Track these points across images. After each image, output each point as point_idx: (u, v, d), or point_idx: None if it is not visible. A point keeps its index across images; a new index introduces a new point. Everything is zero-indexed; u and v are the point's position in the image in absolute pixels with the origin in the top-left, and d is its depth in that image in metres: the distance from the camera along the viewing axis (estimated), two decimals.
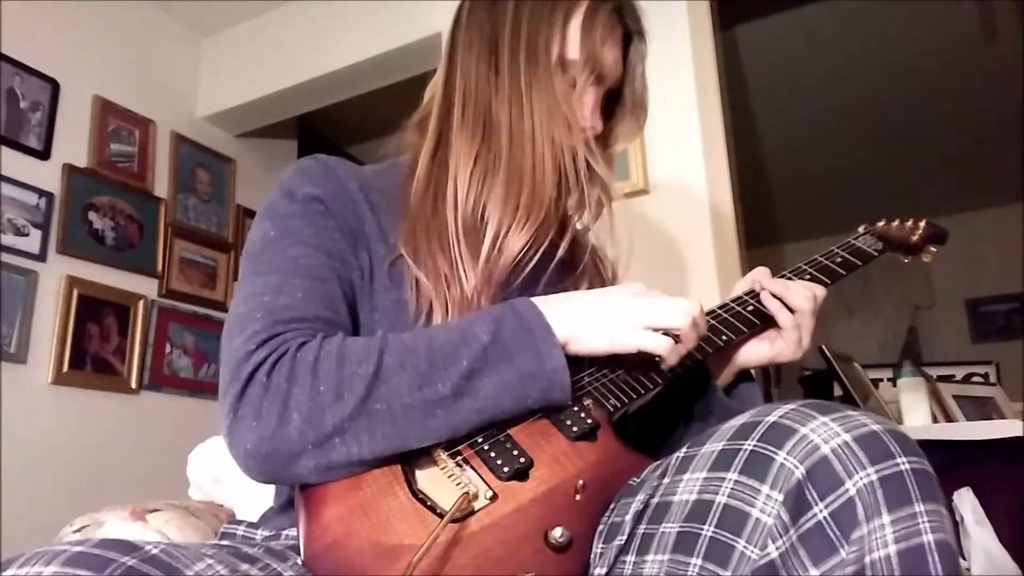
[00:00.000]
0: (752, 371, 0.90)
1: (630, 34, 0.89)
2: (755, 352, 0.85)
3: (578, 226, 0.90)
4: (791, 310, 0.82)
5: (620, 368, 0.75)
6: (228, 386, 0.62)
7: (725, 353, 0.85)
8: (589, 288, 0.86)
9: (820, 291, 0.84)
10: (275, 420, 0.60)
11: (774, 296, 0.82)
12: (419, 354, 0.64)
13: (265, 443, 0.60)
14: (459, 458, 0.64)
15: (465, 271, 0.76)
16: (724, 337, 0.80)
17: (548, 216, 0.79)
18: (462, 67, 0.84)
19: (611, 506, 0.63)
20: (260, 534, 0.71)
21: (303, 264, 0.70)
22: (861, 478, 0.48)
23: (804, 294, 0.81)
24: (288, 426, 0.60)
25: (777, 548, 0.49)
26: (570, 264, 0.86)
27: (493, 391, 0.64)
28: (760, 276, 0.86)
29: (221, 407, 0.63)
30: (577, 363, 0.72)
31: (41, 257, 2.26)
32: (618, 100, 0.91)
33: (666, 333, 0.69)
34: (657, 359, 0.71)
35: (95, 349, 2.37)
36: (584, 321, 0.68)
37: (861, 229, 1.00)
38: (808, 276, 0.87)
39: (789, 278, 0.86)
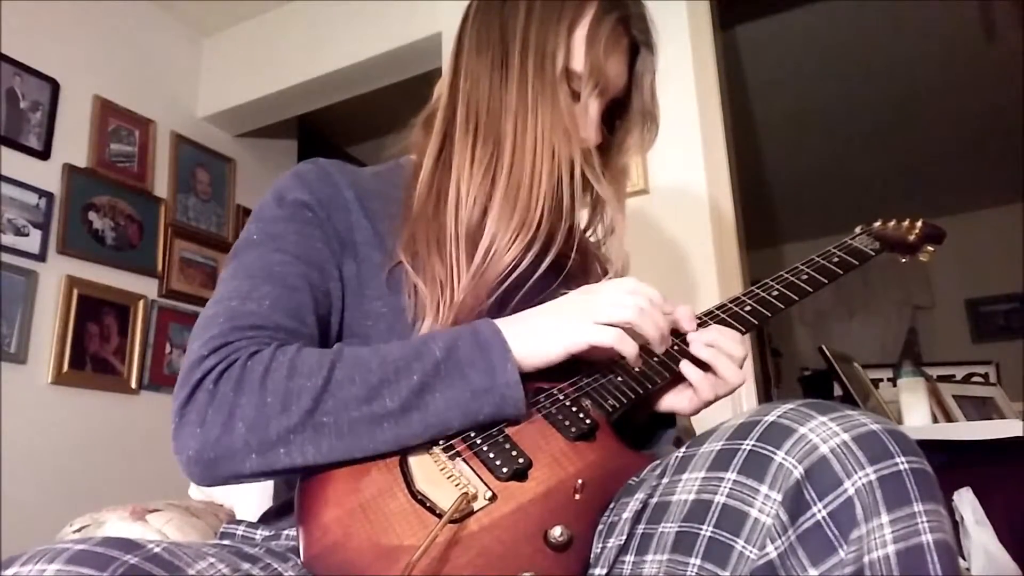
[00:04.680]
0: (676, 416, 0.82)
1: (637, 45, 0.88)
2: (668, 400, 0.79)
3: (592, 239, 0.90)
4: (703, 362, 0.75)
5: (619, 369, 0.75)
6: (178, 390, 0.63)
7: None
8: None
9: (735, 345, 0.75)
10: (219, 428, 0.60)
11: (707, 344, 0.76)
12: (371, 368, 0.64)
13: (207, 449, 0.61)
14: (458, 459, 0.64)
15: (460, 278, 0.76)
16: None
17: (540, 230, 0.79)
18: (470, 71, 0.83)
19: (610, 506, 0.63)
20: (260, 534, 0.71)
21: (278, 272, 0.70)
22: (860, 478, 0.48)
23: (734, 336, 0.76)
24: (232, 434, 0.60)
25: (776, 548, 0.49)
26: (573, 275, 0.86)
27: (443, 406, 0.63)
28: (680, 317, 0.77)
29: (172, 410, 0.63)
30: (574, 366, 0.73)
31: (41, 257, 2.27)
32: (627, 111, 0.90)
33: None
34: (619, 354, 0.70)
35: (95, 349, 2.37)
36: (535, 333, 0.68)
37: (858, 229, 1.01)
38: (805, 276, 0.87)
39: (704, 322, 0.80)
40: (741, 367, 0.75)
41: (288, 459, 0.61)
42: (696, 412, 0.78)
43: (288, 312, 0.69)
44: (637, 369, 0.75)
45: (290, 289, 0.70)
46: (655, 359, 0.76)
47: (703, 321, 0.80)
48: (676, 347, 0.78)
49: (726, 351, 0.75)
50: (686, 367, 0.75)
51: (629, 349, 0.69)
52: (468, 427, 0.65)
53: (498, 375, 0.64)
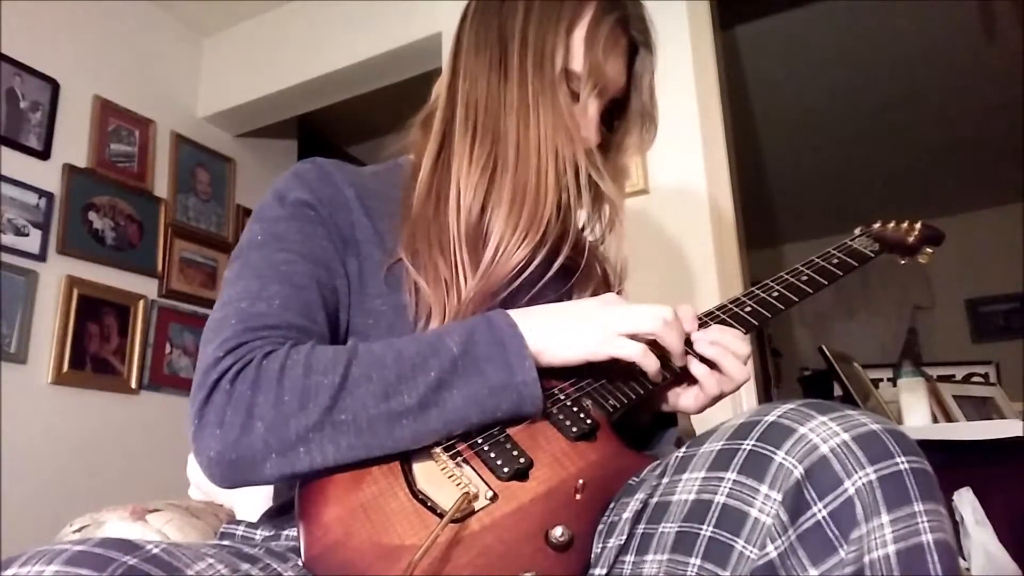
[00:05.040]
0: (677, 414, 0.82)
1: (636, 45, 0.88)
2: (673, 400, 0.80)
3: (589, 237, 0.90)
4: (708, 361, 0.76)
5: (620, 369, 0.75)
6: (195, 392, 0.63)
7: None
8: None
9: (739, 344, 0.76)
10: (238, 428, 0.60)
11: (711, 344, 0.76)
12: (387, 365, 0.63)
13: (228, 451, 0.60)
14: (459, 458, 0.64)
15: (465, 278, 0.76)
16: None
17: (547, 231, 0.79)
18: (468, 71, 0.83)
19: (611, 505, 0.63)
20: (260, 534, 0.71)
21: (285, 271, 0.70)
22: (860, 478, 0.48)
23: (737, 334, 0.77)
24: (251, 434, 0.60)
25: (776, 548, 0.49)
26: (575, 274, 0.86)
27: (462, 403, 0.63)
28: (683, 317, 0.77)
29: (188, 413, 0.63)
30: (575, 367, 0.73)
31: (41, 257, 2.27)
32: (626, 111, 0.90)
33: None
34: (635, 366, 0.70)
35: (95, 349, 2.37)
36: (556, 332, 0.68)
37: (857, 231, 1.01)
38: (805, 277, 0.87)
39: (705, 323, 0.80)
40: (745, 364, 0.76)
41: (308, 458, 0.60)
42: (702, 410, 0.78)
43: (298, 310, 0.69)
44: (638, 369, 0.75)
45: (298, 288, 0.70)
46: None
47: (703, 321, 0.80)
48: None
49: (731, 349, 0.75)
50: (692, 364, 0.76)
51: (651, 365, 0.69)
52: (487, 423, 0.65)
53: (516, 372, 0.64)
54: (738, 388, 0.77)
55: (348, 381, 0.62)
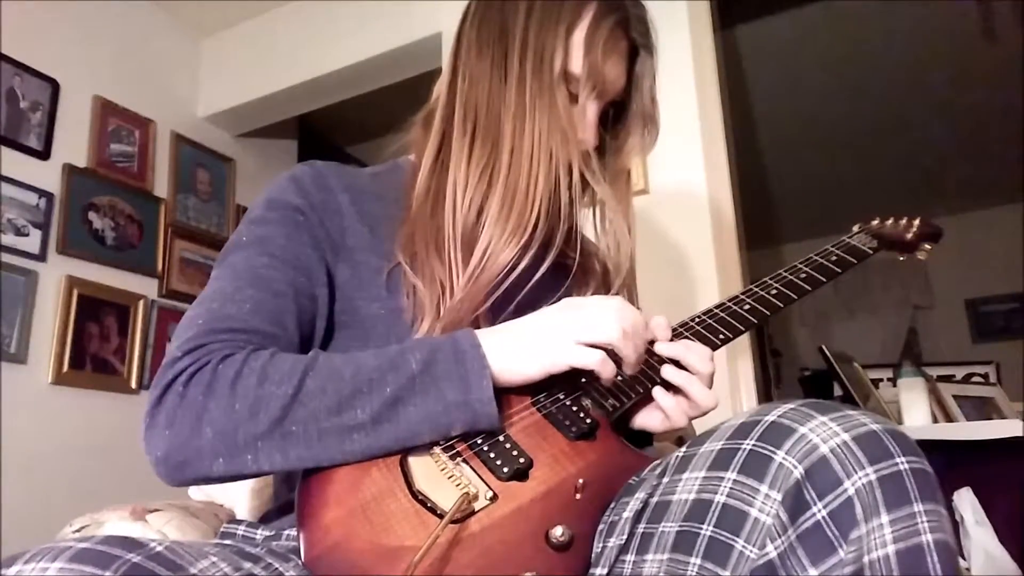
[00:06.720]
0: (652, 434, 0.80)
1: (637, 47, 0.87)
2: (641, 419, 0.78)
3: (592, 238, 0.90)
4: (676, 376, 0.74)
5: (619, 370, 0.75)
6: (151, 389, 0.64)
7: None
8: None
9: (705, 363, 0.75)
10: (188, 431, 0.61)
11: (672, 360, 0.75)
12: (344, 378, 0.63)
13: (176, 452, 0.61)
14: (459, 459, 0.64)
15: (459, 277, 0.76)
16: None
17: (537, 232, 0.78)
18: (468, 71, 0.83)
19: (611, 505, 0.63)
20: (260, 534, 0.71)
21: (263, 275, 0.70)
22: (860, 478, 0.48)
23: (703, 353, 0.75)
24: (200, 439, 0.61)
25: (776, 548, 0.49)
26: (577, 276, 0.86)
27: (416, 419, 0.63)
28: (655, 327, 0.76)
29: (144, 409, 0.64)
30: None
31: (41, 257, 2.27)
32: (627, 113, 0.90)
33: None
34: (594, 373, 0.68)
35: (95, 349, 2.37)
36: (516, 348, 0.67)
37: (856, 228, 1.01)
38: (804, 275, 0.87)
39: (679, 332, 0.79)
40: (710, 385, 0.74)
41: (255, 465, 0.61)
42: (666, 431, 0.77)
43: (268, 316, 0.69)
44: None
45: (273, 293, 0.70)
46: (654, 359, 0.76)
47: (677, 332, 0.79)
48: (656, 359, 0.76)
49: (697, 369, 0.74)
50: (659, 394, 0.74)
51: (608, 373, 0.68)
52: (439, 439, 0.65)
53: (472, 390, 0.63)
54: (705, 414, 0.75)
55: (301, 393, 0.62)
